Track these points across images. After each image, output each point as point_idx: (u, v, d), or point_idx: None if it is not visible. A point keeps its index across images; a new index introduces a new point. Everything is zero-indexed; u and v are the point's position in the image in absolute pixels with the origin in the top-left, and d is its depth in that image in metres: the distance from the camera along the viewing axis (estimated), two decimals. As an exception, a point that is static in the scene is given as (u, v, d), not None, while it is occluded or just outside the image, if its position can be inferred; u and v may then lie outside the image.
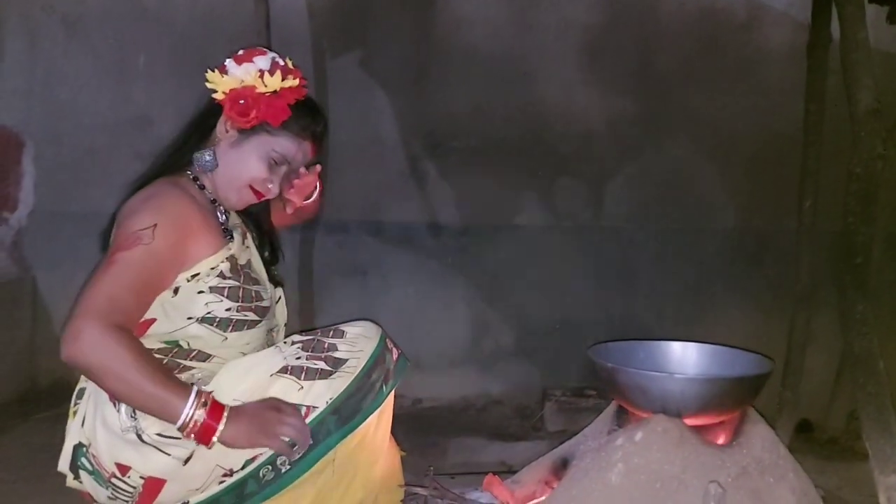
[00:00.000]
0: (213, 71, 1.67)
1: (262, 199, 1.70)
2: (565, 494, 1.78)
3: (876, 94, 1.99)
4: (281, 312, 1.81)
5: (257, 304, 1.64)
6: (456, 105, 3.16)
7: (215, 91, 1.66)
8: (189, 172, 1.69)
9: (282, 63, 1.68)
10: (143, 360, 1.41)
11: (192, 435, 1.43)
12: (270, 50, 1.72)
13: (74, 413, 1.63)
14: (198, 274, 1.57)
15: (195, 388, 1.46)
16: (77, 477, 1.58)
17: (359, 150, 3.12)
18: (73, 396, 1.66)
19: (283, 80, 1.64)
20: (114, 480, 1.52)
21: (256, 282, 1.68)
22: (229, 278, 1.60)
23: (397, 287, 3.20)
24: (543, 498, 1.88)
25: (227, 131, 1.66)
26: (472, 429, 2.90)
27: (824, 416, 2.88)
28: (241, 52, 1.68)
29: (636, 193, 3.20)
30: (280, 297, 1.81)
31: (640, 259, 3.21)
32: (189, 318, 1.56)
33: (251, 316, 1.63)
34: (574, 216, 3.20)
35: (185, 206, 1.58)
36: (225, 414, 1.46)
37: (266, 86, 1.63)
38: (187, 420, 1.42)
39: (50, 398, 3.01)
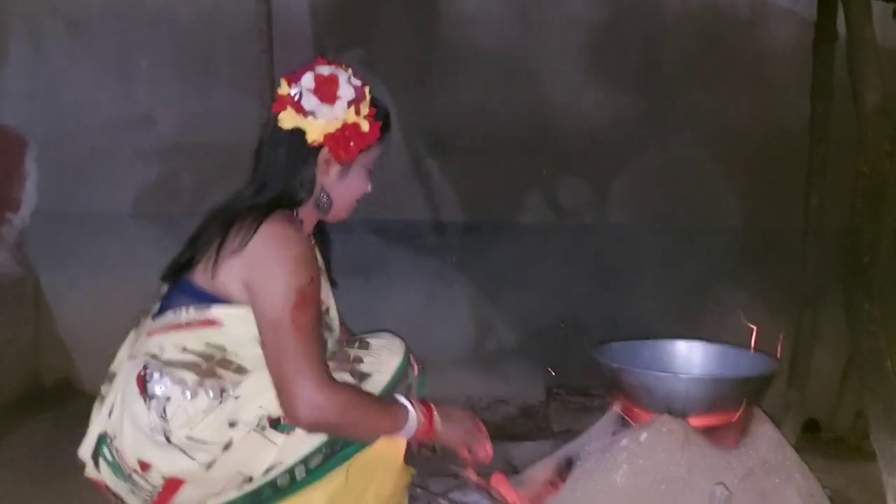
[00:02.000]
0: (282, 107, 1.60)
1: None
2: (570, 496, 1.78)
3: (883, 93, 1.97)
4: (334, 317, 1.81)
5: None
6: (459, 103, 3.15)
7: (299, 131, 1.60)
8: (296, 211, 1.65)
9: (358, 83, 1.62)
10: (364, 398, 1.56)
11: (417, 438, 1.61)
12: (327, 62, 1.64)
13: (102, 396, 1.63)
14: None
15: (408, 402, 1.60)
16: (97, 465, 1.57)
17: (362, 149, 3.10)
18: (105, 378, 1.65)
19: (368, 100, 1.62)
20: (134, 476, 1.52)
21: (329, 329, 1.68)
22: None
23: (401, 286, 3.19)
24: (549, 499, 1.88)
25: (328, 166, 1.63)
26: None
27: (831, 415, 2.86)
28: (308, 82, 1.60)
29: (641, 192, 3.18)
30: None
31: (644, 258, 3.19)
32: (256, 338, 1.54)
33: None
34: (578, 215, 3.19)
35: (313, 252, 1.62)
36: (436, 415, 1.63)
37: (362, 114, 1.60)
38: (415, 427, 1.59)
39: (53, 397, 3.02)
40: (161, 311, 1.61)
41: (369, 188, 1.71)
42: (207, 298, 1.55)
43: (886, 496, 1.79)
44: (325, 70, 1.62)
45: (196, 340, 1.55)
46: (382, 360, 1.67)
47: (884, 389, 1.82)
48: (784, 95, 3.05)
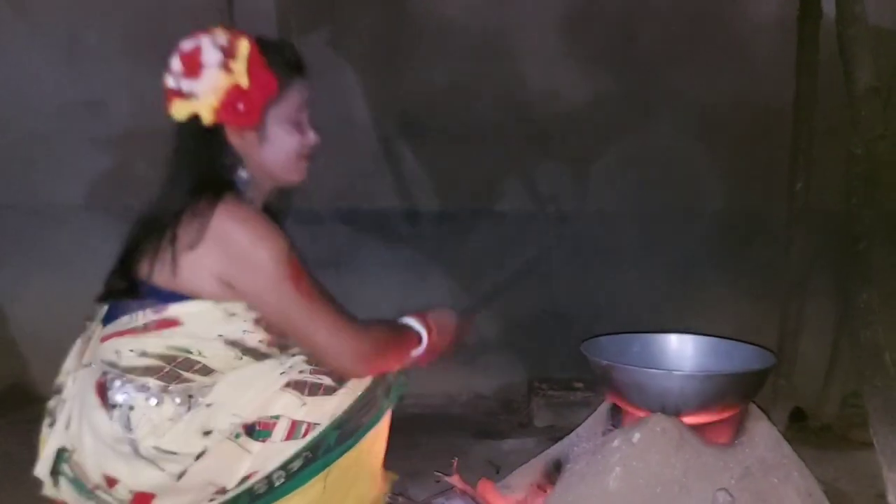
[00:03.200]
0: (169, 102, 1.51)
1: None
2: (560, 501, 1.72)
3: (875, 72, 1.92)
4: None
5: (285, 341, 1.58)
6: (431, 83, 3.06)
7: (197, 116, 1.50)
8: (240, 191, 1.57)
9: (219, 40, 1.51)
10: (384, 327, 1.63)
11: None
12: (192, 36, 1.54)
13: (50, 409, 1.56)
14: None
15: (412, 320, 1.69)
16: (56, 483, 1.51)
17: (329, 133, 2.95)
18: (52, 394, 1.59)
19: (242, 54, 1.50)
20: (98, 492, 1.46)
21: None
22: None
23: (374, 278, 3.12)
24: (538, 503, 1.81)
25: (243, 139, 1.54)
26: (456, 427, 2.85)
27: (817, 403, 2.84)
28: (176, 66, 1.51)
29: (621, 175, 3.13)
30: None
31: (626, 244, 3.15)
32: (219, 336, 1.49)
33: (275, 352, 1.57)
34: (557, 200, 3.13)
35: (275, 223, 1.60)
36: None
37: (239, 73, 1.49)
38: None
39: (5, 403, 2.90)
40: (114, 315, 1.53)
41: (309, 140, 1.60)
42: (169, 297, 1.47)
43: (888, 493, 1.73)
44: (187, 45, 1.51)
45: (156, 344, 1.48)
46: None
47: (883, 383, 1.78)
48: (768, 74, 3.00)
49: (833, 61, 2.09)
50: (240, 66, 1.48)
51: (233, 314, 1.49)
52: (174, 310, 1.47)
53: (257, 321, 1.52)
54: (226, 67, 1.48)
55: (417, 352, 1.67)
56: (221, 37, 1.51)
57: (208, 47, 1.49)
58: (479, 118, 3.08)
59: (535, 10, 3.04)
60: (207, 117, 1.49)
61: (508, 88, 3.07)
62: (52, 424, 1.55)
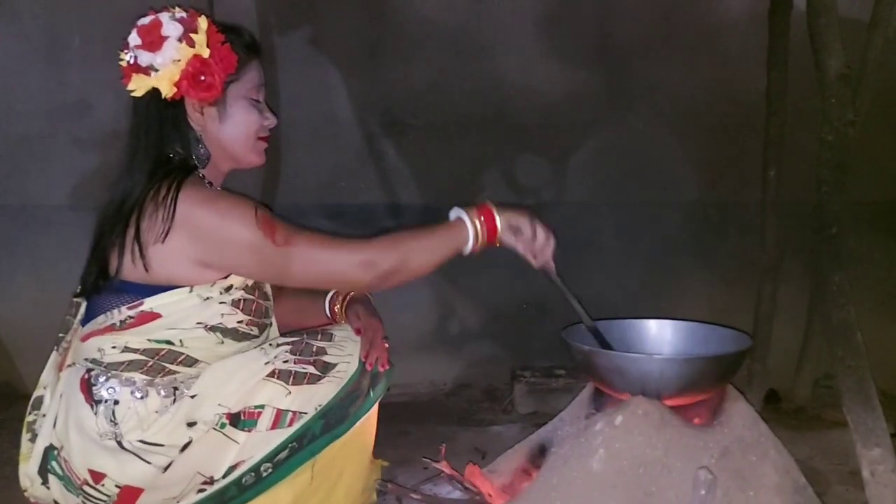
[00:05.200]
0: (127, 78, 1.50)
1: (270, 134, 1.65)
2: (546, 484, 1.74)
3: (846, 59, 1.96)
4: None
5: (263, 320, 1.61)
6: (412, 81, 3.07)
7: (155, 92, 1.50)
8: (199, 173, 1.57)
9: (180, 14, 1.52)
10: (404, 232, 1.59)
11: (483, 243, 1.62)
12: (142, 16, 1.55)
13: (30, 424, 1.56)
14: (231, 286, 1.53)
15: (461, 213, 1.62)
16: (45, 482, 1.51)
17: (312, 130, 3.01)
18: (29, 406, 1.59)
19: (202, 27, 1.50)
20: (86, 488, 1.47)
21: (267, 297, 1.65)
22: (250, 292, 1.57)
23: (358, 272, 3.11)
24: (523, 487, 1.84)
25: (202, 115, 1.55)
26: (442, 415, 2.86)
27: (790, 385, 2.89)
28: (134, 40, 1.50)
29: (598, 168, 3.15)
30: None
31: (603, 234, 3.17)
32: (199, 324, 1.50)
33: (255, 331, 1.59)
34: (537, 193, 3.14)
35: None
36: (497, 216, 1.64)
37: (200, 46, 1.49)
38: (476, 237, 1.61)
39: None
40: (91, 314, 1.53)
41: (268, 121, 1.62)
42: (143, 291, 1.47)
43: (862, 470, 1.77)
44: (145, 20, 1.51)
45: (138, 339, 1.49)
46: (347, 350, 1.63)
47: (856, 363, 1.81)
48: (740, 67, 3.04)
49: (803, 52, 2.12)
50: (200, 39, 1.48)
51: (208, 298, 1.49)
52: (150, 303, 1.47)
53: (235, 303, 1.52)
54: (187, 40, 1.47)
55: (469, 242, 1.62)
56: (180, 12, 1.51)
57: (168, 21, 1.48)
58: (460, 114, 3.08)
59: (512, 9, 3.05)
60: (167, 90, 1.48)
61: (488, 84, 3.07)
62: (32, 440, 1.54)
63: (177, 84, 1.48)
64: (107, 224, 1.52)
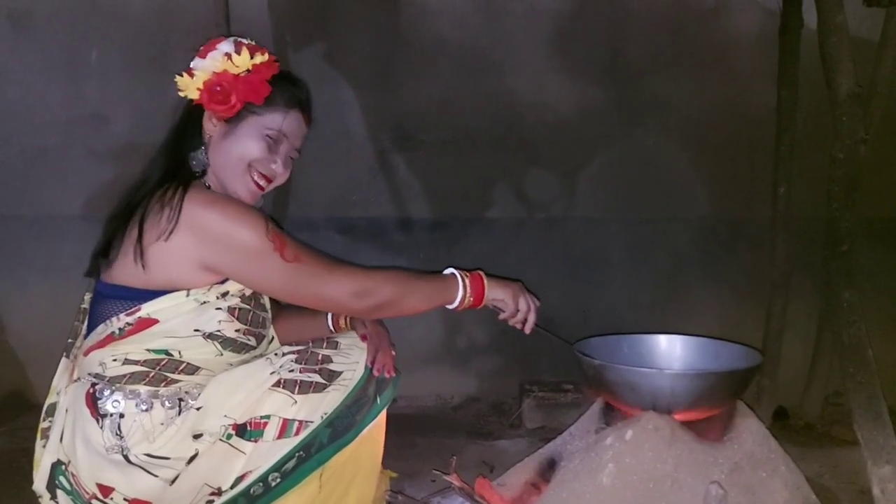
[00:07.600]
0: (182, 76, 1.59)
1: (271, 184, 1.63)
2: (555, 498, 1.74)
3: (856, 78, 1.97)
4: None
5: (260, 331, 1.61)
6: (424, 97, 3.09)
7: (190, 96, 1.59)
8: (205, 181, 1.61)
9: (246, 41, 1.61)
10: (405, 271, 1.65)
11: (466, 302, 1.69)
12: (230, 35, 1.66)
13: (44, 430, 1.56)
14: (227, 293, 1.54)
15: (455, 272, 1.70)
16: (54, 497, 1.51)
17: (325, 145, 3.03)
18: (43, 413, 1.59)
19: (251, 57, 1.57)
20: (94, 502, 1.46)
21: (264, 308, 1.65)
22: (247, 301, 1.57)
23: (368, 285, 3.12)
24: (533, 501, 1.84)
25: (214, 126, 1.58)
26: (449, 427, 2.86)
27: (799, 402, 2.88)
28: (201, 48, 1.61)
29: (608, 183, 3.16)
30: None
31: (613, 249, 3.18)
32: (196, 331, 1.50)
33: (252, 342, 1.59)
34: (546, 208, 3.16)
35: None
36: (483, 276, 1.74)
37: (237, 66, 1.56)
38: (464, 297, 1.68)
39: (5, 411, 2.89)
40: (92, 326, 1.54)
41: (266, 158, 1.60)
42: (139, 296, 1.48)
43: (872, 488, 1.77)
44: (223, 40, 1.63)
45: (137, 349, 1.49)
46: (353, 358, 1.63)
47: (867, 379, 1.80)
48: (750, 84, 3.06)
49: (812, 70, 2.13)
50: (241, 60, 1.55)
51: (205, 302, 1.49)
52: (147, 308, 1.48)
53: (231, 310, 1.53)
54: (228, 57, 1.56)
55: (458, 296, 1.69)
56: (249, 42, 1.60)
57: (228, 41, 1.59)
58: (471, 129, 3.10)
59: (524, 26, 3.08)
60: (193, 93, 1.56)
61: (499, 101, 3.09)
62: (46, 445, 1.54)
63: (199, 90, 1.56)
64: (117, 210, 1.57)
